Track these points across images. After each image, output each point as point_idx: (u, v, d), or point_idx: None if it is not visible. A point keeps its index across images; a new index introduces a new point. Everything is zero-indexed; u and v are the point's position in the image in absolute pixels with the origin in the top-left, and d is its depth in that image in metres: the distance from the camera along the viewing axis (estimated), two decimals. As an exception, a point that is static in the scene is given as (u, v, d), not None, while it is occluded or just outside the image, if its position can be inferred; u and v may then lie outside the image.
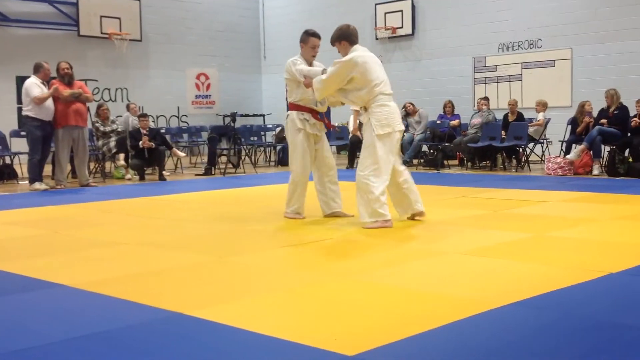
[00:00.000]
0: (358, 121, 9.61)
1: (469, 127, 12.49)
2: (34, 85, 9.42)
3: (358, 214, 5.76)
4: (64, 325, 3.13)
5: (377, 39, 16.45)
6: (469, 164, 12.37)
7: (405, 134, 12.97)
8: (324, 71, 5.95)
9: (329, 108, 6.58)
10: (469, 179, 10.09)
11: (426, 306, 3.33)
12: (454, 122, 12.94)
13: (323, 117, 6.36)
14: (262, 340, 2.84)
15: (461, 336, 2.87)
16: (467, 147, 12.03)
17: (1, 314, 3.36)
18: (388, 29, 16.12)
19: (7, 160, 11.27)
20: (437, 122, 13.15)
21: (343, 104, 6.17)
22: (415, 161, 12.93)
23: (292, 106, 6.27)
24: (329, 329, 3.00)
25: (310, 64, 6.27)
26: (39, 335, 2.98)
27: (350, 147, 12.83)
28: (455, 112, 13.40)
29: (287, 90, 6.37)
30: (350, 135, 12.66)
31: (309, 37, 6.30)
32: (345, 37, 5.90)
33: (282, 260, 4.59)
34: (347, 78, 5.69)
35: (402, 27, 15.98)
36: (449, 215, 6.38)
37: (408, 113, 13.27)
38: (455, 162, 12.89)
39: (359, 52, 5.79)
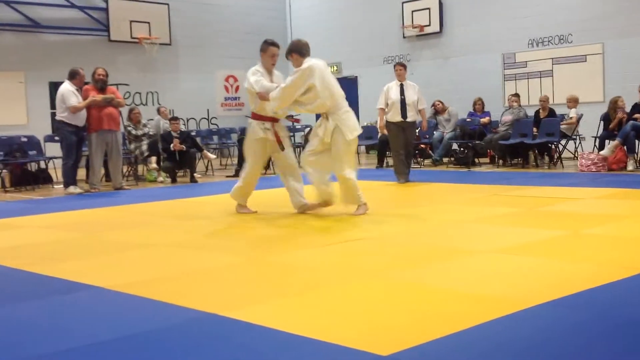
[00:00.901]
0: (385, 120, 9.70)
1: (499, 124, 12.39)
2: (71, 94, 9.57)
3: (346, 209, 6.42)
4: (101, 327, 3.18)
5: (404, 37, 16.40)
6: (500, 161, 12.26)
7: (435, 132, 12.94)
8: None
9: None
10: (500, 177, 10.00)
11: (459, 305, 3.31)
12: (484, 120, 12.84)
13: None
14: (295, 340, 2.86)
15: (496, 336, 2.85)
16: (498, 145, 11.93)
17: (39, 317, 3.43)
18: (415, 27, 16.06)
19: (42, 164, 11.47)
20: (467, 119, 13.06)
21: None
22: (445, 159, 12.85)
23: (254, 115, 6.63)
24: (361, 328, 3.00)
25: (270, 72, 6.61)
26: (76, 337, 3.03)
27: (379, 146, 12.80)
28: (485, 110, 13.29)
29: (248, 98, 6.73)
30: (380, 134, 12.63)
31: (268, 47, 6.62)
32: (295, 50, 6.22)
33: (313, 260, 4.61)
34: (305, 85, 6.02)
35: (429, 25, 15.90)
36: (481, 214, 6.34)
37: (437, 111, 13.21)
38: (486, 159, 12.79)
39: (313, 61, 6.12)
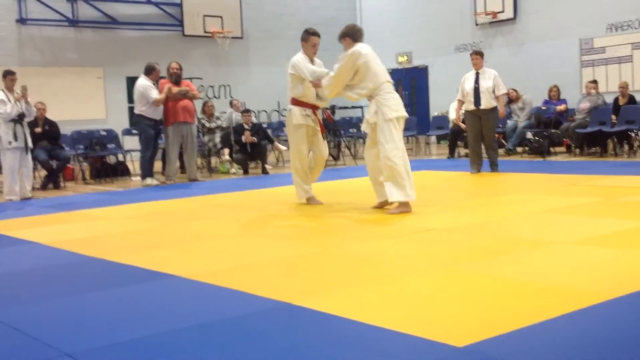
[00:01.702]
0: (461, 111, 9.60)
1: (576, 112, 12.02)
2: (150, 88, 9.85)
3: (387, 194, 6.05)
4: (178, 315, 3.27)
5: (477, 24, 16.09)
6: (577, 150, 11.90)
7: (508, 121, 12.67)
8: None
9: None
10: (577, 166, 9.71)
11: (536, 297, 3.25)
12: (560, 107, 12.47)
13: (324, 111, 6.71)
14: (369, 330, 2.87)
15: (574, 328, 2.79)
16: (575, 133, 11.58)
17: (119, 304, 3.55)
18: (488, 14, 15.73)
19: (120, 157, 11.85)
20: (542, 107, 12.72)
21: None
22: (519, 149, 12.57)
23: (294, 101, 6.75)
24: (436, 319, 2.99)
25: (312, 61, 6.75)
26: (154, 325, 3.13)
27: (451, 136, 12.63)
28: (561, 97, 12.92)
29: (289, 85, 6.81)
30: (452, 124, 12.47)
31: (309, 36, 6.79)
32: (349, 34, 6.29)
33: (387, 250, 4.60)
34: (354, 69, 6.12)
35: (503, 12, 15.54)
36: (557, 204, 6.18)
37: (511, 100, 12.91)
38: (562, 149, 12.43)
39: (361, 45, 6.23)
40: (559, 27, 14.65)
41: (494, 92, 9.34)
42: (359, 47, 6.17)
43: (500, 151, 12.67)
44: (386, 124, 5.99)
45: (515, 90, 12.97)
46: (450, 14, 16.60)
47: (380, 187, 6.26)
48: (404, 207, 6.04)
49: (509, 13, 15.45)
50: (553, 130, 11.95)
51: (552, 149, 12.11)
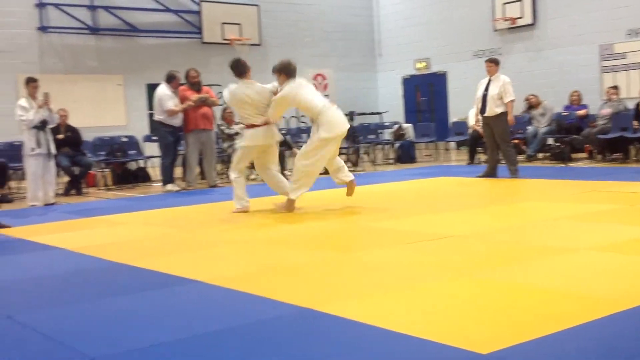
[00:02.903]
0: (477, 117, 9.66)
1: (597, 118, 11.93)
2: (168, 97, 9.92)
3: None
4: (200, 320, 3.29)
5: (495, 30, 16.04)
6: (599, 156, 11.81)
7: (528, 127, 12.60)
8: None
9: None
10: (599, 172, 9.64)
11: (559, 305, 3.23)
12: (581, 112, 12.39)
13: None
14: (392, 337, 2.86)
15: (597, 336, 2.77)
16: (597, 139, 11.49)
17: (142, 309, 3.58)
18: (507, 20, 15.67)
19: (141, 163, 11.93)
20: (563, 113, 12.64)
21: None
22: (540, 155, 12.49)
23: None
24: (459, 326, 2.98)
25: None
26: (177, 329, 3.15)
27: (470, 142, 12.58)
28: (583, 103, 12.82)
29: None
30: (471, 130, 12.43)
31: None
32: (284, 71, 7.12)
33: (407, 256, 4.59)
34: (289, 105, 7.32)
35: (522, 17, 15.48)
36: (579, 210, 6.14)
37: (531, 105, 12.85)
38: (584, 154, 12.34)
39: (294, 83, 7.01)
40: (578, 33, 14.56)
41: (501, 99, 9.34)
42: (290, 88, 6.93)
43: (521, 157, 12.60)
44: (319, 141, 6.84)
45: (535, 96, 12.90)
46: (469, 20, 16.56)
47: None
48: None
49: (528, 19, 15.39)
50: (574, 136, 11.87)
51: (573, 155, 12.03)
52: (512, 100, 9.37)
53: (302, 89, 7.08)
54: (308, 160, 6.90)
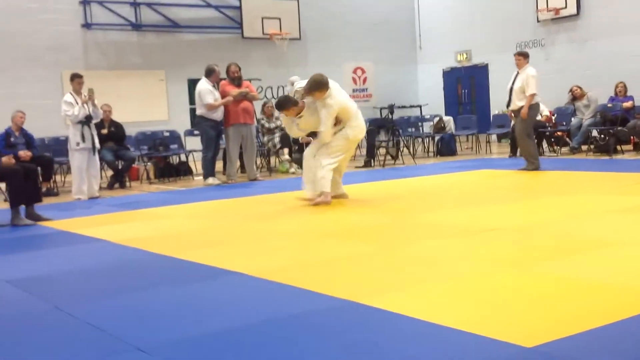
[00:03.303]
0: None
1: (643, 110, 11.65)
2: (208, 92, 10.01)
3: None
4: (244, 311, 3.32)
5: (538, 21, 15.78)
6: (645, 148, 11.54)
7: (572, 118, 12.38)
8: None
9: None
10: (645, 165, 9.42)
11: (605, 298, 3.17)
12: (627, 104, 12.10)
13: None
14: (436, 330, 2.85)
15: (647, 330, 2.71)
16: (643, 131, 11.22)
17: (187, 300, 3.62)
18: (551, 11, 15.40)
19: (183, 157, 12.08)
20: (608, 105, 12.37)
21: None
22: (584, 147, 12.26)
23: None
24: (504, 319, 2.95)
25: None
26: (222, 320, 3.18)
27: (512, 135, 12.40)
28: (628, 94, 12.53)
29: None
30: (512, 123, 12.25)
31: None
32: (322, 87, 7.14)
33: (449, 249, 4.56)
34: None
35: (565, 7, 15.19)
36: (625, 204, 6.01)
37: (575, 97, 12.61)
38: (629, 147, 12.07)
39: (334, 93, 7.12)
40: (624, 22, 14.23)
41: (524, 92, 9.22)
42: (335, 100, 7.01)
43: (565, 149, 12.41)
44: (346, 141, 7.05)
45: (579, 87, 12.66)
46: (512, 10, 16.32)
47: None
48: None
49: (571, 9, 15.10)
50: (619, 128, 11.61)
51: (618, 147, 11.78)
52: (533, 95, 9.19)
53: (341, 94, 7.23)
54: (333, 158, 7.03)
